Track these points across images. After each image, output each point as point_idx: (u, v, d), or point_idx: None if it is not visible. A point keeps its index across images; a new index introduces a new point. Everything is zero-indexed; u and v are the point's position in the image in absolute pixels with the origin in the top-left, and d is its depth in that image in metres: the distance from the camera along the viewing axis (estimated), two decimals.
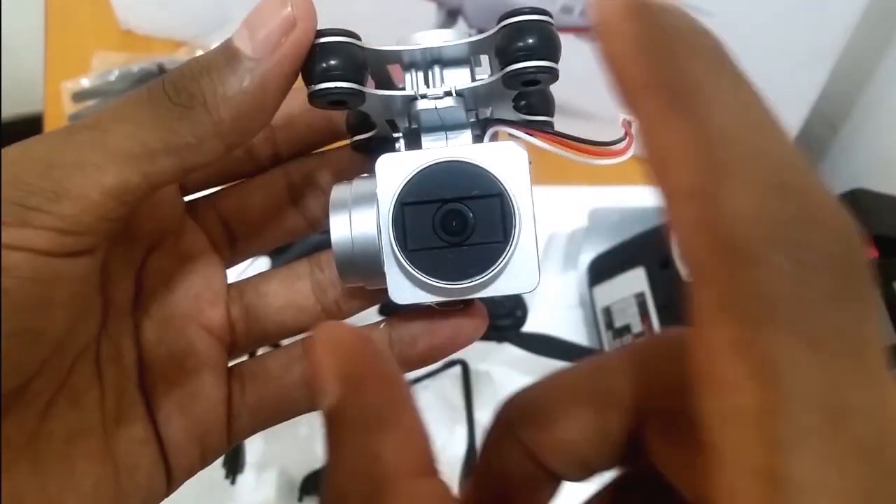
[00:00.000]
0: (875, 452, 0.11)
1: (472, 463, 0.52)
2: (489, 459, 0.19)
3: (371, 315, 0.25)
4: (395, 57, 0.22)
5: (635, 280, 0.55)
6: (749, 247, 0.12)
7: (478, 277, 0.21)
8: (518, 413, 0.19)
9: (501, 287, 0.22)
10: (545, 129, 0.22)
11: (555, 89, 0.22)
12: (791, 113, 0.62)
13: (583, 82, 0.67)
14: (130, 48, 0.74)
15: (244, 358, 0.26)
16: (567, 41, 0.61)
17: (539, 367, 0.53)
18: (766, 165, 0.12)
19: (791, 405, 0.11)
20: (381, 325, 0.24)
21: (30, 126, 0.85)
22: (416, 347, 0.24)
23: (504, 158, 0.22)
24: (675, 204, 0.13)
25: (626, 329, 0.54)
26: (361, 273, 0.23)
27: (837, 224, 0.12)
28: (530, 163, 0.22)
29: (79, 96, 0.68)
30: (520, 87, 0.21)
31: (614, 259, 0.58)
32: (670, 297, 0.51)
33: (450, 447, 0.52)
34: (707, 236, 0.12)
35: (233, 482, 0.49)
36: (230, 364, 0.25)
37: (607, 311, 0.57)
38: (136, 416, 0.23)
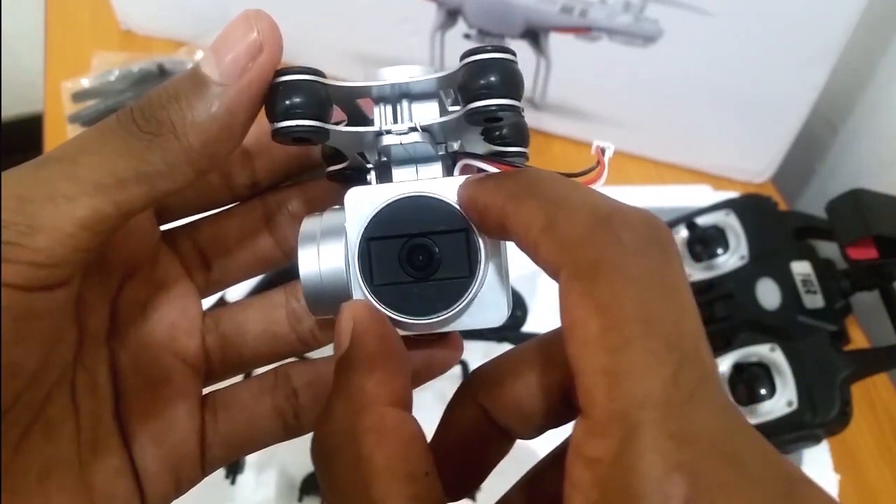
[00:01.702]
0: (677, 345, 0.16)
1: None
2: (450, 418, 0.23)
3: None
4: (363, 92, 0.22)
5: None
6: (583, 238, 0.17)
7: (443, 313, 0.21)
8: (477, 378, 0.22)
9: (468, 321, 0.22)
10: (514, 164, 0.22)
11: (553, 89, 0.22)
12: (791, 113, 0.62)
13: (580, 83, 0.67)
14: (130, 48, 0.74)
15: (216, 386, 0.26)
16: (566, 41, 0.60)
17: None
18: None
19: (618, 322, 0.16)
20: None
21: (30, 126, 0.85)
22: None
23: None
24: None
25: None
26: (330, 306, 0.23)
27: (642, 212, 0.18)
28: None
29: (79, 96, 0.68)
30: (483, 123, 0.21)
31: None
32: None
33: None
34: (558, 252, 0.17)
35: (233, 482, 0.49)
36: (203, 392, 0.25)
37: None
38: (112, 446, 0.22)
